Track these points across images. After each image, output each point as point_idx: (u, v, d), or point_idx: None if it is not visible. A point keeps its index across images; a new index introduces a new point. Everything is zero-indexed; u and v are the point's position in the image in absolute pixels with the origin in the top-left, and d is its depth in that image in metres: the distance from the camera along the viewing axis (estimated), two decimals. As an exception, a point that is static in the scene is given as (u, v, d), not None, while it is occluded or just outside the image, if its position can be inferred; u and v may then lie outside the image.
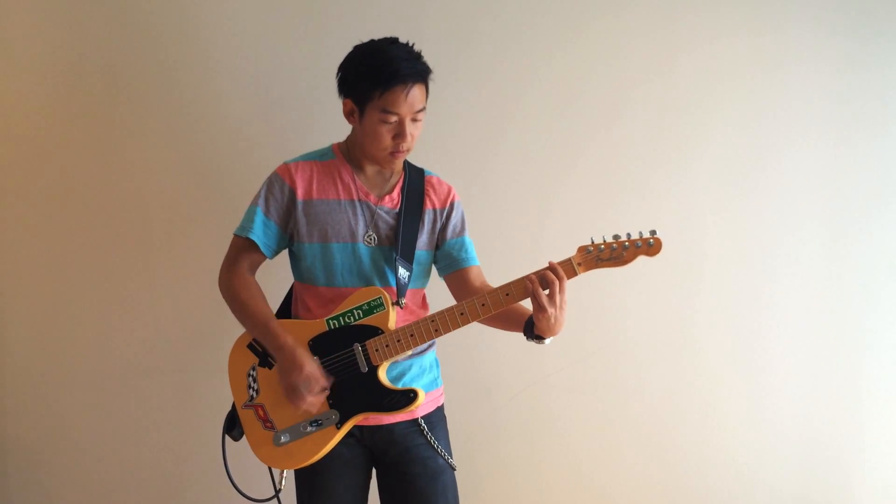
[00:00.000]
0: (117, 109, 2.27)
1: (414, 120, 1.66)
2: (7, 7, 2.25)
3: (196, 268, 2.28)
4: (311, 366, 1.63)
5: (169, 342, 2.32)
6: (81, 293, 2.32)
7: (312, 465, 1.69)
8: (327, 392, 1.65)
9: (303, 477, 1.77)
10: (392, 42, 1.67)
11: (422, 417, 1.77)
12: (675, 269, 2.27)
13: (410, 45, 1.68)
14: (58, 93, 2.27)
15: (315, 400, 1.63)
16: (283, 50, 2.24)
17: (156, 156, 2.27)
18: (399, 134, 1.65)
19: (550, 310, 1.56)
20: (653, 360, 2.35)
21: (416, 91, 1.63)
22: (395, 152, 1.68)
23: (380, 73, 1.60)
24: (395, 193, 1.76)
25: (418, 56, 1.66)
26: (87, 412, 2.35)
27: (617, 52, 2.29)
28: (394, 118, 1.63)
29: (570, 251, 2.22)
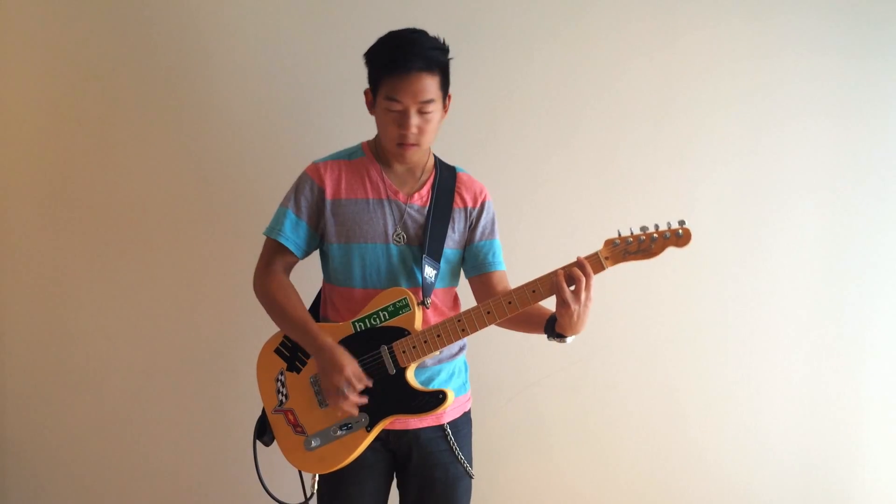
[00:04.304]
0: (119, 110, 2.27)
1: (421, 112, 1.61)
2: (8, 7, 2.26)
3: (197, 269, 2.28)
4: (352, 365, 1.62)
5: (169, 343, 2.32)
6: (82, 293, 2.33)
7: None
8: (364, 397, 1.64)
9: (325, 479, 1.76)
10: (414, 31, 1.64)
11: (448, 423, 1.76)
12: (675, 268, 2.24)
13: (440, 39, 1.65)
14: (59, 94, 2.27)
15: (358, 400, 1.62)
16: (286, 51, 2.23)
17: (157, 157, 2.28)
18: (402, 124, 1.61)
19: (574, 306, 1.53)
20: (652, 360, 2.33)
21: (425, 80, 1.59)
22: (401, 144, 1.64)
23: (387, 58, 1.59)
24: (425, 191, 1.73)
25: (436, 46, 1.62)
26: (87, 412, 2.36)
27: (616, 51, 2.27)
28: (398, 106, 1.60)
29: (570, 252, 2.22)
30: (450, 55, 1.68)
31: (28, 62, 2.27)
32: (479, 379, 2.17)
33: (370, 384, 1.63)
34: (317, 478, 1.75)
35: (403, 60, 1.57)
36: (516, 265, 2.19)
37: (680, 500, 2.37)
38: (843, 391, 2.35)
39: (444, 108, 1.70)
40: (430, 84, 1.61)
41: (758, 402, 2.35)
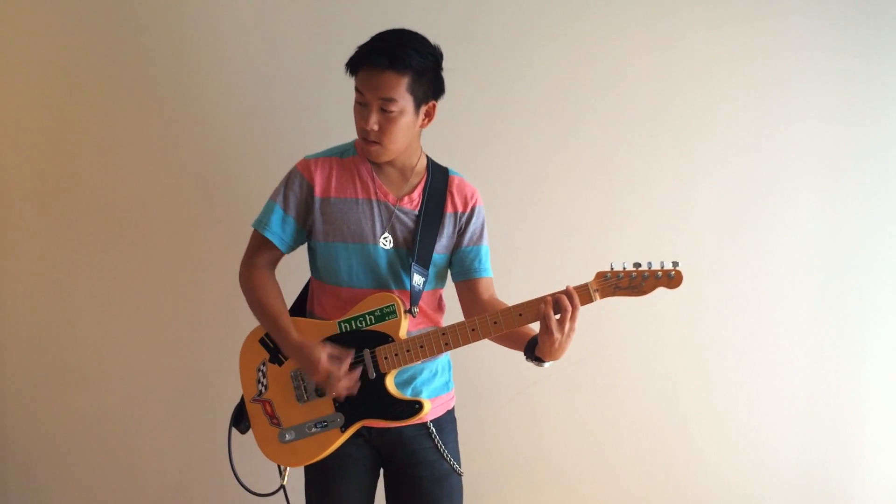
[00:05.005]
0: (117, 110, 2.26)
1: (383, 109, 1.60)
2: (7, 7, 2.24)
3: (196, 268, 2.28)
4: (325, 356, 1.60)
5: (169, 342, 2.33)
6: (81, 293, 2.33)
7: (321, 465, 1.71)
8: (356, 370, 1.63)
9: (311, 476, 1.79)
10: (402, 30, 1.64)
11: (431, 421, 1.77)
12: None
13: (433, 45, 1.64)
14: (57, 93, 2.26)
15: (344, 385, 1.61)
16: (282, 50, 2.21)
17: (155, 156, 2.27)
18: (364, 118, 1.61)
19: (557, 335, 1.53)
20: (652, 360, 2.34)
21: (388, 77, 1.57)
22: (364, 139, 1.65)
23: (362, 49, 1.61)
24: (416, 194, 1.72)
25: (416, 48, 1.59)
26: (86, 412, 2.37)
27: (616, 52, 2.26)
28: (361, 98, 1.61)
29: (569, 255, 2.26)
30: (441, 65, 1.66)
31: (27, 62, 2.26)
32: (479, 379, 2.19)
33: (349, 363, 1.62)
34: (288, 469, 1.77)
35: (370, 54, 1.58)
36: (516, 267, 2.23)
37: (680, 500, 2.39)
38: (843, 391, 2.36)
39: (426, 114, 1.68)
40: (395, 83, 1.58)
41: (758, 402, 2.36)
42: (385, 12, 2.13)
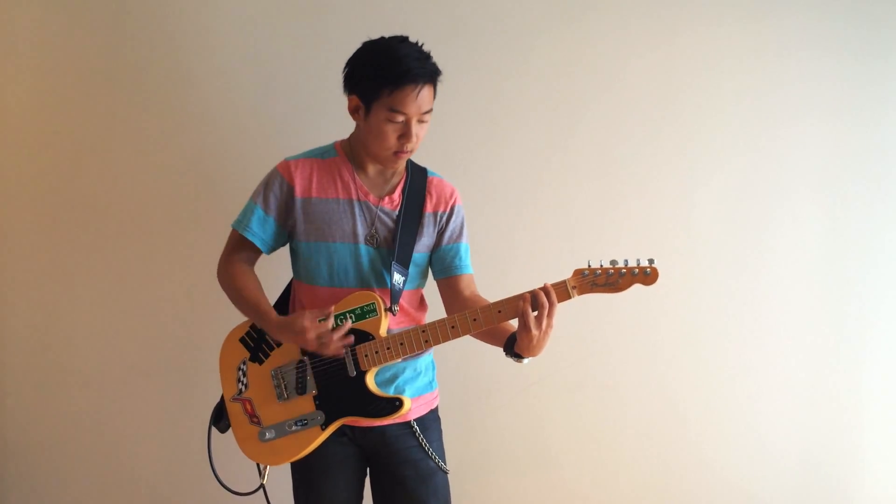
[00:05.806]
0: (117, 109, 2.28)
1: (420, 121, 1.63)
2: (7, 7, 2.27)
3: (196, 268, 2.28)
4: (310, 324, 1.60)
5: (169, 342, 2.34)
6: (81, 293, 2.34)
7: (308, 465, 1.72)
8: (343, 326, 1.63)
9: (299, 476, 1.79)
10: (402, 40, 1.63)
11: (414, 420, 1.76)
12: (675, 267, 2.23)
13: (420, 44, 1.64)
14: (57, 93, 2.29)
15: (337, 345, 1.61)
16: (282, 49, 2.23)
17: (156, 156, 2.29)
18: (404, 134, 1.62)
19: (535, 331, 1.53)
20: (652, 360, 2.33)
21: (426, 92, 1.60)
22: (399, 152, 1.65)
23: (390, 72, 1.57)
24: (396, 194, 1.73)
25: (428, 56, 1.62)
26: (86, 412, 2.38)
27: (615, 52, 2.26)
28: (401, 118, 1.60)
29: (568, 254, 2.25)
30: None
31: (27, 62, 2.29)
32: (478, 379, 2.16)
33: (333, 313, 1.63)
34: (268, 468, 1.77)
35: (411, 76, 1.57)
36: (514, 267, 2.23)
37: (680, 500, 2.37)
38: (843, 391, 2.34)
39: None
40: (430, 95, 1.62)
41: (758, 402, 2.35)
42: (384, 12, 2.14)
